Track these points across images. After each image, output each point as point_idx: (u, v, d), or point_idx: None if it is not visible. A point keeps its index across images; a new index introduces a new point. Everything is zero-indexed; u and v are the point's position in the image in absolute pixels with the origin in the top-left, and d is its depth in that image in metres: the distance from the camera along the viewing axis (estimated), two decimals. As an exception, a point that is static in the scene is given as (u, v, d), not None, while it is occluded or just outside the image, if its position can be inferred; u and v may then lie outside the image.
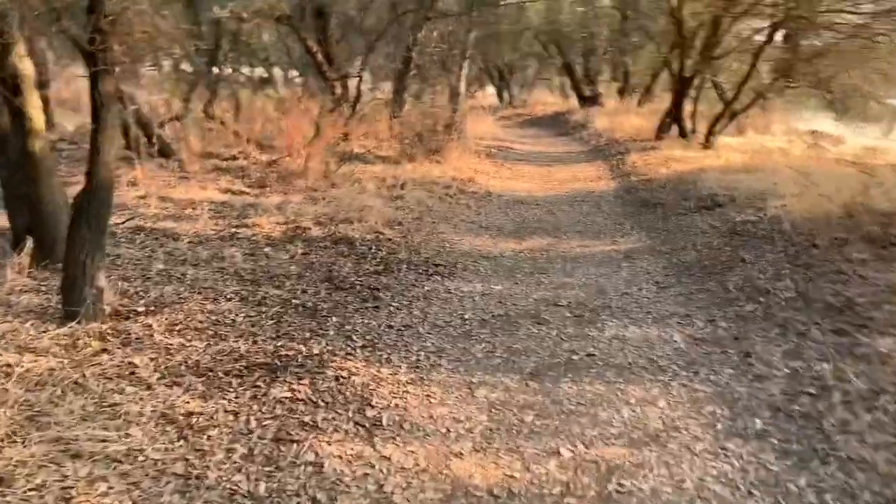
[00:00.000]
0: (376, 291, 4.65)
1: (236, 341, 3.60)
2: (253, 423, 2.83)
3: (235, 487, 2.42)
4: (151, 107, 9.24)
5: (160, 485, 2.37)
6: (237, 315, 3.98)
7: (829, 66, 10.54)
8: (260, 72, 14.56)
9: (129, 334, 3.50)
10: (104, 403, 2.80)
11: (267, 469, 2.55)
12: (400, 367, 3.54)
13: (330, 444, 2.74)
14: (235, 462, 2.56)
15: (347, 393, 3.18)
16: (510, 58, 25.90)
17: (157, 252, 4.98)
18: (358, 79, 10.86)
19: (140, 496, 2.30)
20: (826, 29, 10.25)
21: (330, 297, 4.45)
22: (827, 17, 10.00)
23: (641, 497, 2.50)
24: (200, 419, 2.81)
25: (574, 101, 22.00)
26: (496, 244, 6.26)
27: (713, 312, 4.37)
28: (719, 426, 2.99)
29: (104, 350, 3.29)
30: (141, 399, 2.89)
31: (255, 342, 3.63)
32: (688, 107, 12.12)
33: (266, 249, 5.31)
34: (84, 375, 3.00)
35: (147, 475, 2.40)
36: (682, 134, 11.85)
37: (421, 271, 5.22)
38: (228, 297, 4.25)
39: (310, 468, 2.59)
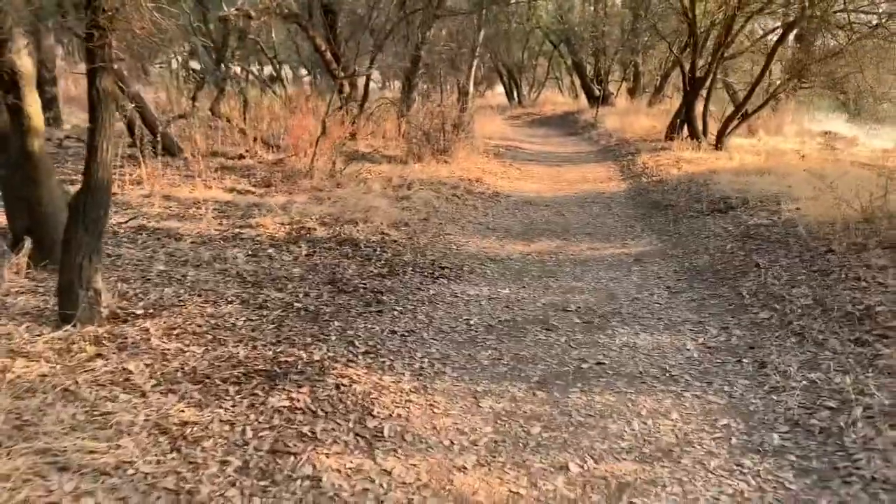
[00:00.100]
0: (380, 295, 4.55)
1: (235, 346, 3.50)
2: (249, 434, 2.72)
3: (228, 503, 2.32)
4: (157, 105, 9.17)
5: (150, 500, 2.26)
6: (237, 319, 3.88)
7: (843, 66, 10.40)
8: (269, 70, 14.54)
9: (126, 338, 3.40)
10: (95, 412, 2.70)
11: (262, 483, 2.44)
12: (403, 374, 3.43)
13: (328, 457, 2.63)
14: (229, 476, 2.45)
15: (348, 402, 3.07)
16: (519, 56, 25.81)
17: (159, 252, 4.89)
18: (366, 77, 10.77)
19: (128, 512, 2.20)
20: (840, 29, 10.11)
21: (333, 301, 4.35)
22: (841, 16, 9.86)
23: (653, 517, 2.38)
24: (195, 429, 2.70)
25: (584, 101, 21.84)
26: (504, 246, 6.14)
27: (727, 319, 4.24)
28: (734, 441, 2.87)
29: (99, 355, 3.19)
30: (134, 407, 2.78)
31: (254, 347, 3.52)
32: (699, 107, 11.95)
33: (269, 251, 5.21)
34: (76, 382, 2.90)
35: (136, 490, 2.29)
36: (693, 135, 11.68)
37: (426, 274, 5.11)
38: (229, 299, 4.15)
39: (307, 482, 2.47)
